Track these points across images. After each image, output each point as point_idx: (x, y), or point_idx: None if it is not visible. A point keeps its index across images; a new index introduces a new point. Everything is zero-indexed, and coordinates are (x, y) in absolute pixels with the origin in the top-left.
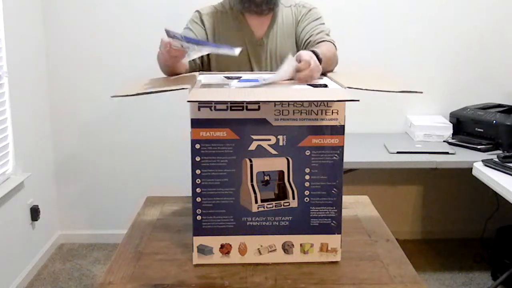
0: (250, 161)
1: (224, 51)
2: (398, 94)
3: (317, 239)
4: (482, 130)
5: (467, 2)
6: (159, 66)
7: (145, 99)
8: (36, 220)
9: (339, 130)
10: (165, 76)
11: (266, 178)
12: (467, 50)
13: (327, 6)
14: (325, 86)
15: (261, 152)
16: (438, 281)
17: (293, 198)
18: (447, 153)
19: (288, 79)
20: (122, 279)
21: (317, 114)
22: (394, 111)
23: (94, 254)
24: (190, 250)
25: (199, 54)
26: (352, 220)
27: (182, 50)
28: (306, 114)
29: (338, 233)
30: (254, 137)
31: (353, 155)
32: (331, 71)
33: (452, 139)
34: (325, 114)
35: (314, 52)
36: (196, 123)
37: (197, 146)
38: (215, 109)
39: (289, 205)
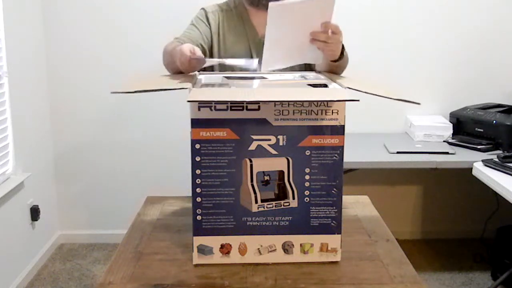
0: (250, 161)
1: (242, 63)
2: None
3: (317, 239)
4: (482, 130)
5: (468, 2)
6: (165, 63)
7: (145, 99)
8: (36, 220)
9: (339, 130)
10: (166, 74)
11: (266, 178)
12: (467, 50)
13: None
14: (325, 86)
15: (261, 152)
16: (438, 281)
17: (293, 198)
18: (447, 153)
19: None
20: (122, 279)
21: (317, 114)
22: (394, 111)
23: (94, 254)
24: (190, 250)
25: (216, 63)
26: (352, 220)
27: (203, 59)
28: (306, 114)
29: (338, 233)
30: (254, 137)
31: (353, 155)
32: (338, 74)
33: (452, 139)
34: (325, 114)
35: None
36: (196, 123)
37: (197, 146)
38: (215, 109)
39: (289, 205)
